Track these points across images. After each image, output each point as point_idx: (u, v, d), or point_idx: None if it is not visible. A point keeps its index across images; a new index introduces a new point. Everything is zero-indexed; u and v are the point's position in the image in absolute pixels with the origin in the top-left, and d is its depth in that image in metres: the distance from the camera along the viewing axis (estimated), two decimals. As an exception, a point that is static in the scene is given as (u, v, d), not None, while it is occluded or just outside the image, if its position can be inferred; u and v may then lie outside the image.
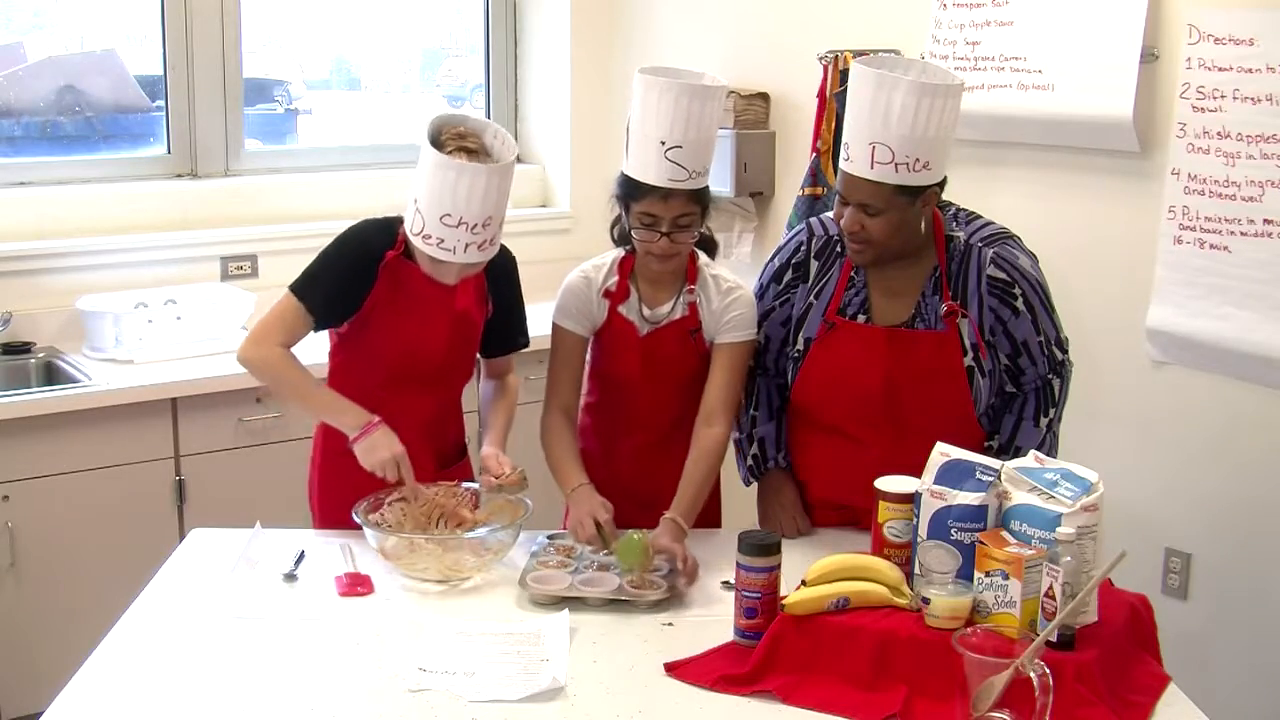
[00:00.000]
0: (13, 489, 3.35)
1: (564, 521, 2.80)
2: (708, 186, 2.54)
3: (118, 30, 4.30)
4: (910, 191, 2.36)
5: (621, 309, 2.62)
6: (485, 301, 2.66)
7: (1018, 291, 2.44)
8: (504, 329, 2.72)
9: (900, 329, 2.47)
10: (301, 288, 2.53)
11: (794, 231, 2.64)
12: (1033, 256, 2.51)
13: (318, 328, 2.57)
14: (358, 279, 2.52)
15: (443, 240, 2.40)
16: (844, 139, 2.41)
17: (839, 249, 2.51)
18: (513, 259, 2.71)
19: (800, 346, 2.54)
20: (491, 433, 2.70)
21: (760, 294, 2.62)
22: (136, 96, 4.27)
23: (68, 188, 4.00)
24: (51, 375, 3.68)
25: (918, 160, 2.33)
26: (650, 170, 2.46)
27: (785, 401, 2.65)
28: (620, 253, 2.64)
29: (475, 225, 2.40)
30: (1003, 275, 2.44)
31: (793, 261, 2.57)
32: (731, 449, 2.67)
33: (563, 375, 2.66)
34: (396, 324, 2.55)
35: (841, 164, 2.41)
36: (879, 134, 2.32)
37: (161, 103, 4.18)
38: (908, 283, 2.48)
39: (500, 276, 2.67)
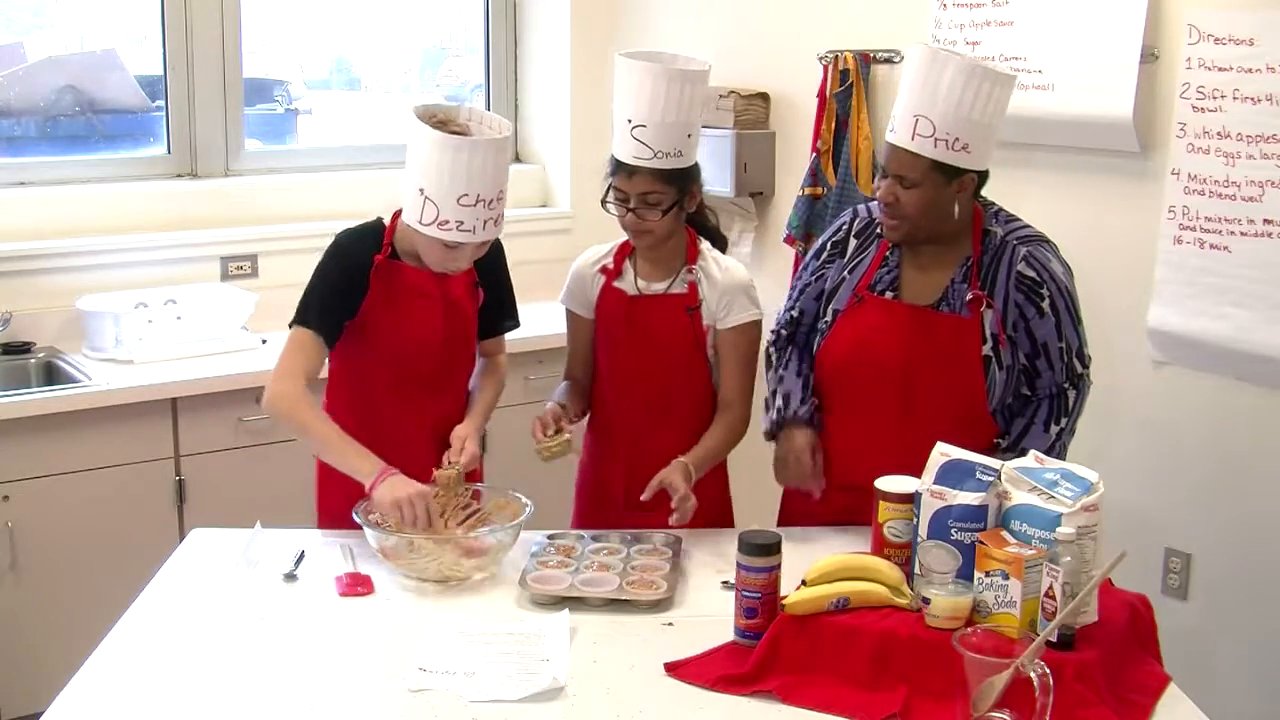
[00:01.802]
0: (13, 489, 3.35)
1: (572, 521, 2.81)
2: (688, 170, 2.59)
3: (118, 30, 4.30)
4: (947, 171, 2.41)
5: (615, 283, 2.69)
6: (475, 289, 2.66)
7: (1045, 293, 2.47)
8: (494, 312, 2.73)
9: (924, 309, 2.50)
10: (303, 314, 2.52)
11: (842, 214, 2.70)
12: (1067, 267, 2.52)
13: (331, 346, 2.55)
14: (351, 290, 2.52)
15: (462, 222, 2.41)
16: (892, 113, 2.47)
17: (878, 231, 2.56)
18: (499, 243, 2.72)
19: (828, 318, 2.59)
20: (471, 410, 2.69)
21: (803, 270, 2.68)
22: (136, 96, 4.27)
23: (68, 188, 4.00)
24: (51, 375, 3.68)
25: (958, 140, 2.38)
26: (619, 146, 2.57)
27: (813, 370, 2.68)
28: (625, 239, 2.71)
29: (491, 200, 2.43)
30: (1033, 274, 2.47)
31: (833, 239, 2.64)
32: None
33: (571, 353, 2.79)
34: (393, 325, 2.55)
35: (886, 135, 2.48)
36: (924, 108, 2.39)
37: (161, 103, 4.18)
38: (940, 268, 2.52)
39: (487, 260, 2.67)
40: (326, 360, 2.58)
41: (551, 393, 2.76)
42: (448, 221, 2.40)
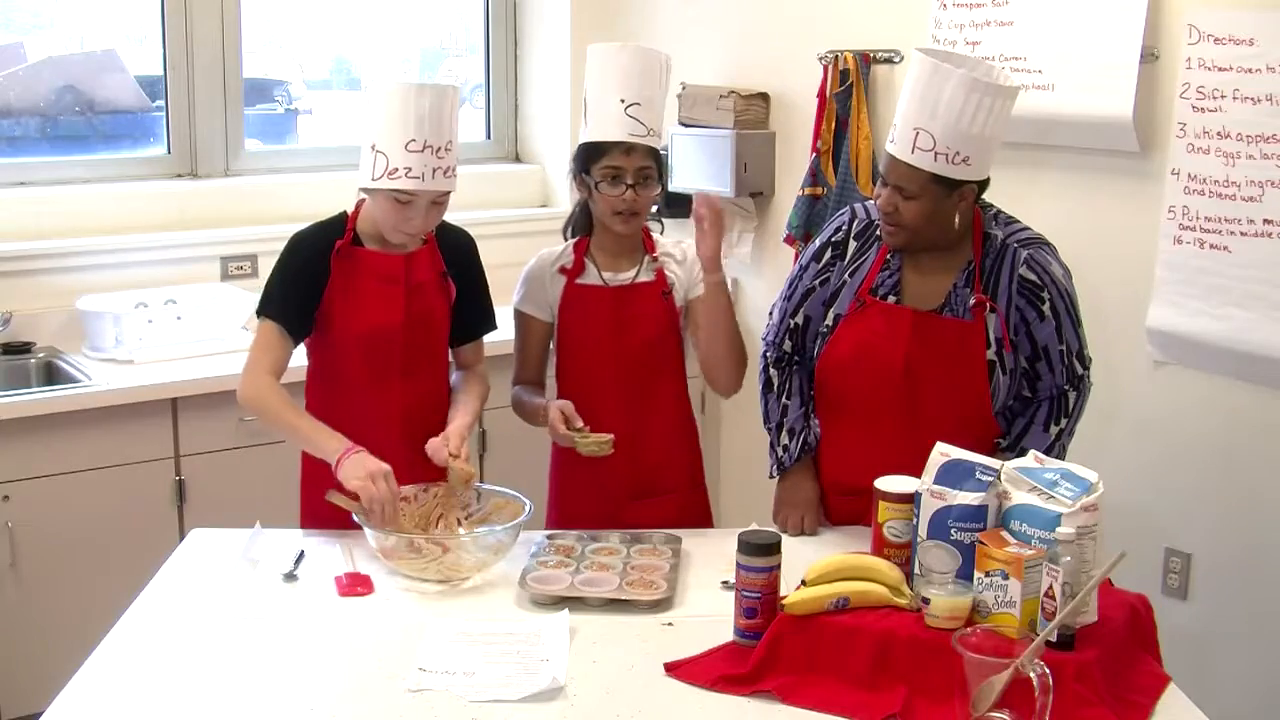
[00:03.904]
0: (13, 489, 3.35)
1: (548, 519, 2.81)
2: (660, 151, 2.67)
3: (118, 30, 4.31)
4: (947, 183, 2.40)
5: (579, 280, 2.71)
6: (445, 281, 2.66)
7: (1046, 295, 2.46)
8: (469, 313, 2.72)
9: (927, 313, 2.50)
10: (265, 307, 2.57)
11: (838, 214, 2.68)
12: (1067, 269, 2.52)
13: (297, 340, 2.58)
14: (312, 277, 2.55)
15: (410, 169, 2.45)
16: (893, 121, 2.46)
17: (878, 233, 2.55)
18: (470, 240, 2.73)
19: (829, 322, 2.58)
20: (456, 410, 2.65)
21: (800, 273, 2.65)
22: (136, 96, 4.27)
23: (68, 188, 4.00)
24: (51, 375, 3.68)
25: (958, 154, 2.37)
26: (611, 128, 2.61)
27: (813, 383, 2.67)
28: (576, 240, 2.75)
29: (439, 149, 2.47)
30: (1033, 277, 2.46)
31: (832, 240, 2.61)
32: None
33: (525, 357, 2.79)
34: (354, 309, 2.56)
35: (886, 145, 2.47)
36: (925, 121, 2.37)
37: (161, 103, 4.18)
38: (942, 273, 2.51)
39: (459, 255, 2.68)
40: (293, 350, 2.58)
41: (530, 398, 2.74)
42: (396, 170, 2.45)
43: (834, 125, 3.89)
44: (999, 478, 2.10)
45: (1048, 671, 1.78)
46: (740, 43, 4.31)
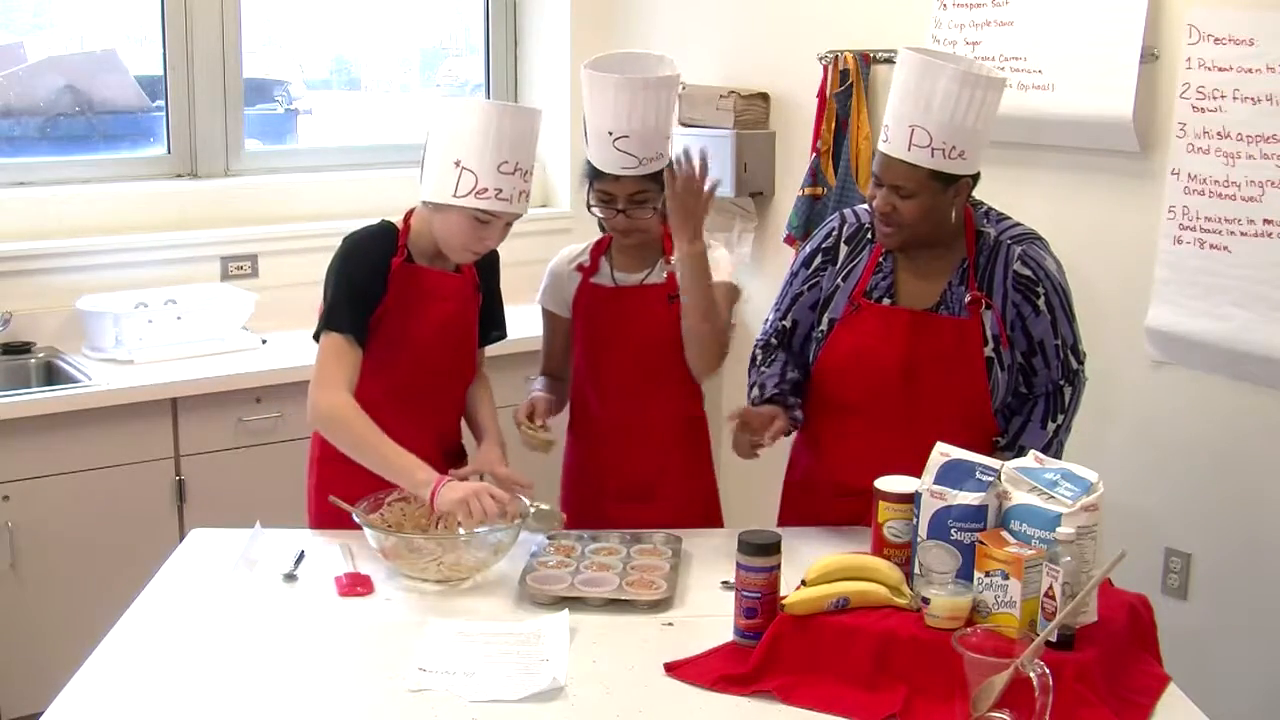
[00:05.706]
0: (13, 489, 3.35)
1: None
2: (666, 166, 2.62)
3: (118, 30, 4.31)
4: (944, 178, 2.41)
5: (592, 279, 2.73)
6: (477, 293, 2.66)
7: (1041, 290, 2.47)
8: (484, 320, 2.71)
9: (924, 313, 2.50)
10: (334, 320, 2.46)
11: (826, 220, 2.68)
12: (1059, 263, 2.53)
13: (365, 349, 2.49)
14: (372, 288, 2.48)
15: (500, 190, 2.42)
16: (884, 121, 2.46)
17: (869, 236, 2.56)
18: (496, 250, 2.72)
19: (824, 327, 2.58)
20: (487, 437, 2.66)
21: (791, 279, 2.66)
22: (136, 96, 4.27)
23: (68, 188, 4.00)
24: (51, 375, 3.68)
25: (954, 148, 2.38)
26: (601, 159, 2.60)
27: (804, 377, 2.64)
28: (600, 236, 2.76)
29: (526, 172, 2.46)
30: (1028, 273, 2.47)
31: (823, 246, 2.62)
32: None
33: (548, 350, 2.84)
34: (407, 329, 2.52)
35: (880, 145, 2.47)
36: (919, 118, 2.38)
37: (161, 103, 4.18)
38: (935, 272, 2.51)
39: (486, 262, 2.67)
40: (360, 360, 2.48)
41: (530, 384, 2.80)
42: (486, 190, 2.41)
43: (834, 125, 3.89)
44: (999, 478, 2.11)
45: (1048, 671, 1.78)
46: (740, 43, 4.31)
